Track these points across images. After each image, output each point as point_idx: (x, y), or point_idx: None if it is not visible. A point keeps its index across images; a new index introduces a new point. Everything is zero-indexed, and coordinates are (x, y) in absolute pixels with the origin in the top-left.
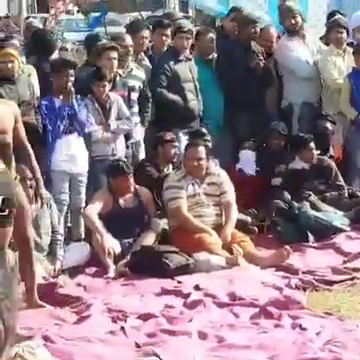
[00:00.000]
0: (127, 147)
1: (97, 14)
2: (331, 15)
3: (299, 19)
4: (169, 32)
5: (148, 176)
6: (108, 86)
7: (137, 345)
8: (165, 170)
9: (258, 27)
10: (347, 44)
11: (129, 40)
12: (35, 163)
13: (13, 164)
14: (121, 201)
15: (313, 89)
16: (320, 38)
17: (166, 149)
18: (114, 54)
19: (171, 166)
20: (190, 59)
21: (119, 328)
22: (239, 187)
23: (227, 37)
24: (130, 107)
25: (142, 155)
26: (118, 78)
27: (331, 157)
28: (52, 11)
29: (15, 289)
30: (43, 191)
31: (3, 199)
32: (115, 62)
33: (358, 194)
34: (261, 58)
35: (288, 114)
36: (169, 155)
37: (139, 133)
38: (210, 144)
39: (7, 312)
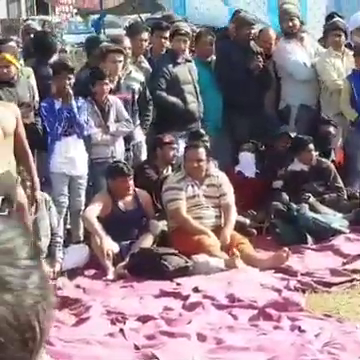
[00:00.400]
0: (128, 149)
1: (96, 16)
2: (329, 17)
3: (297, 22)
4: (168, 34)
5: (147, 178)
6: (109, 86)
7: (136, 347)
8: (164, 172)
9: (254, 29)
10: (345, 45)
11: (127, 42)
12: (33, 165)
13: (14, 165)
14: (120, 203)
15: (311, 91)
16: (318, 40)
17: (165, 151)
18: (119, 57)
19: (170, 168)
20: (190, 61)
21: (118, 330)
22: (238, 189)
23: (228, 39)
24: (134, 110)
25: (144, 157)
26: (122, 81)
27: (333, 161)
28: (65, 16)
29: (51, 291)
30: (38, 194)
31: (3, 199)
32: (120, 65)
33: (357, 195)
34: (260, 60)
35: (286, 116)
36: (168, 157)
37: (140, 135)
38: (208, 144)
39: (43, 314)
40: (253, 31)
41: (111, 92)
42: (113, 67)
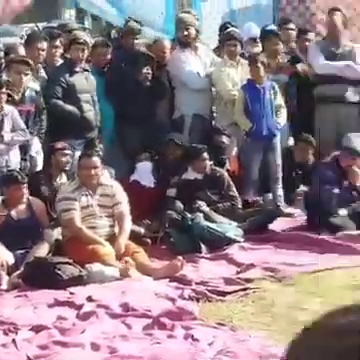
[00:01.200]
0: (25, 160)
1: None
2: (223, 27)
3: (192, 31)
4: (58, 42)
5: (41, 187)
6: (6, 95)
7: (29, 358)
8: (58, 180)
9: (138, 39)
10: (239, 55)
11: (22, 51)
12: None
13: None
14: (13, 212)
15: (204, 101)
16: (213, 50)
17: (57, 158)
18: (26, 69)
19: (64, 176)
20: (87, 70)
21: (10, 341)
22: (134, 198)
23: (120, 49)
24: (35, 121)
25: (40, 167)
26: (27, 93)
27: (227, 171)
28: None
29: None
30: None
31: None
32: (25, 77)
33: (257, 202)
34: (149, 71)
35: (180, 125)
36: (61, 163)
37: (38, 145)
38: (102, 153)
39: None
40: (137, 41)
41: (11, 103)
42: (18, 78)
